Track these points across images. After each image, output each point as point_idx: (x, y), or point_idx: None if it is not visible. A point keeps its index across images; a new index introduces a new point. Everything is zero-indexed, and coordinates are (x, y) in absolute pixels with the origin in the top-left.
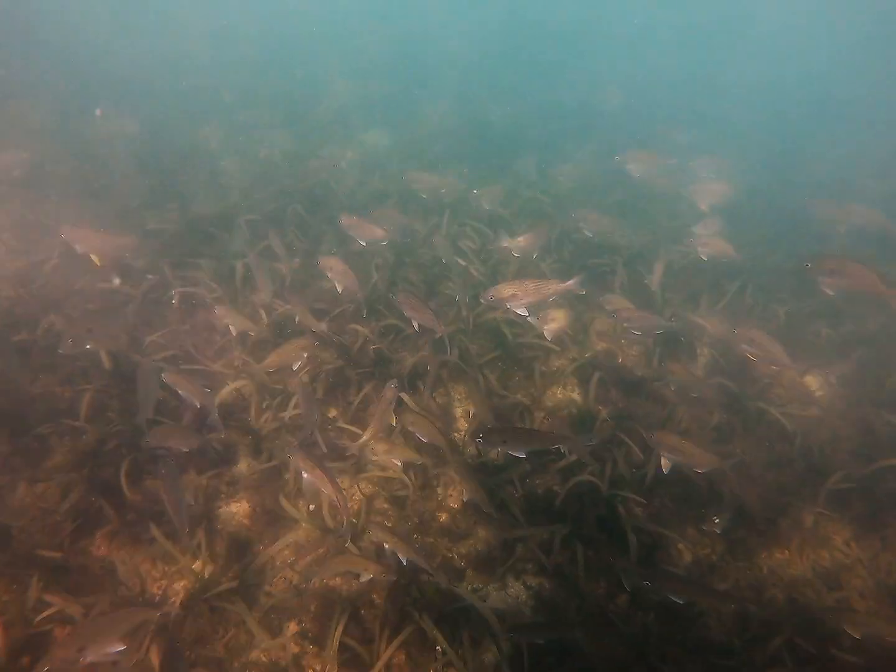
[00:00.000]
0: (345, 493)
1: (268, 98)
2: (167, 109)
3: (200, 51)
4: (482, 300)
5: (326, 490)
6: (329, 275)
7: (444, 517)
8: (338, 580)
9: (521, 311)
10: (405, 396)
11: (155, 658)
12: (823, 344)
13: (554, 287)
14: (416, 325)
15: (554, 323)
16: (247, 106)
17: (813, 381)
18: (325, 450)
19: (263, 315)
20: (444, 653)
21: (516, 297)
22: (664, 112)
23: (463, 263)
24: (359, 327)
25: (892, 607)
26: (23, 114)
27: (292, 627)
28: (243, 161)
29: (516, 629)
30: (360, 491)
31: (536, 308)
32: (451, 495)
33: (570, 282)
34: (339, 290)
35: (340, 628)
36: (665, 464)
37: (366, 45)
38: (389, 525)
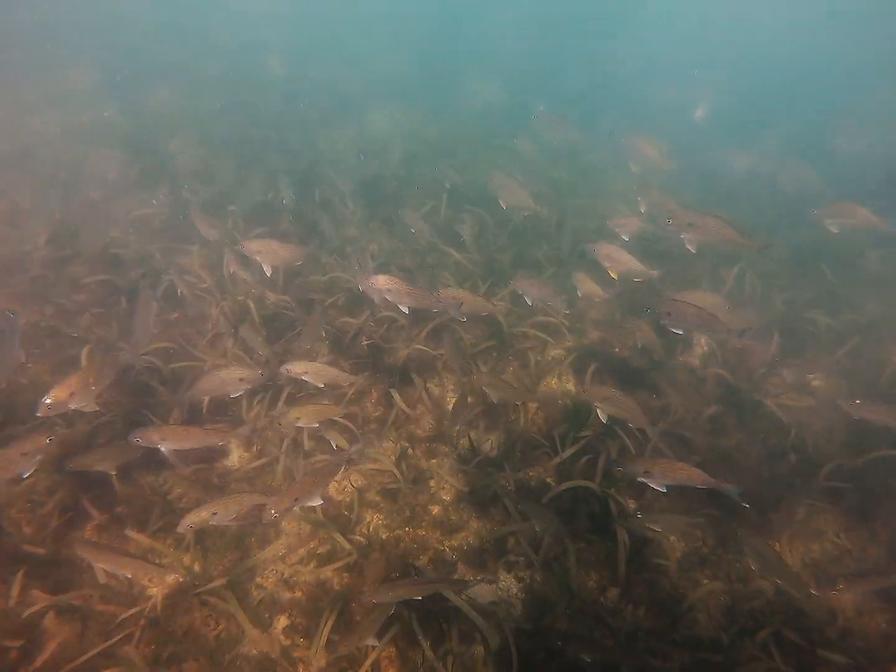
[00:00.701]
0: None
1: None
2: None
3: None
4: (364, 285)
5: None
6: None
7: (436, 510)
8: (329, 573)
9: (404, 309)
10: (394, 393)
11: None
12: (821, 332)
13: (432, 300)
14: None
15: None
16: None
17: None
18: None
19: (252, 306)
20: (425, 660)
21: (391, 294)
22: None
23: (456, 255)
24: (350, 319)
25: (877, 600)
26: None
27: (283, 621)
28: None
29: None
30: (352, 483)
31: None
32: (443, 488)
33: (450, 300)
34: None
35: (330, 623)
36: (602, 415)
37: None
38: (383, 521)
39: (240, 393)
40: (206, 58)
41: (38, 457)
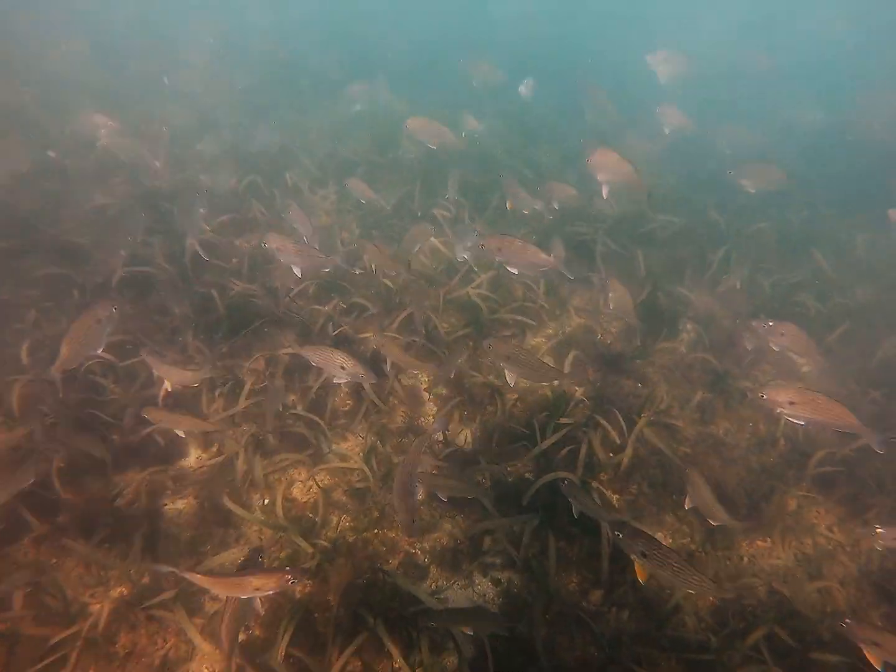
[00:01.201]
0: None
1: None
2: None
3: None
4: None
5: None
6: None
7: None
8: None
9: (296, 271)
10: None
11: None
12: (811, 316)
13: (322, 259)
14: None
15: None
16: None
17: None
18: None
19: (217, 297)
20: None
21: (281, 252)
22: None
23: (434, 239)
24: (320, 307)
25: (872, 595)
26: None
27: (239, 635)
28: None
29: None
30: (318, 483)
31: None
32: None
33: (337, 258)
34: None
35: (287, 637)
36: (509, 378)
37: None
38: (350, 522)
39: (342, 381)
40: (192, 43)
41: (110, 328)
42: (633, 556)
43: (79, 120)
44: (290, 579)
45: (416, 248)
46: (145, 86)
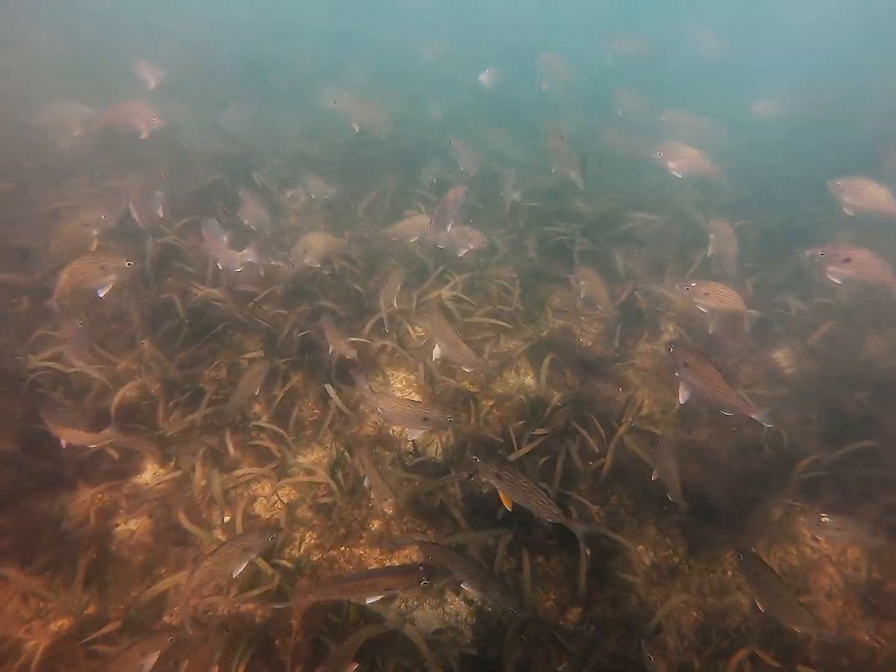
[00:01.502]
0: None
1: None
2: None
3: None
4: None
5: None
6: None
7: (376, 525)
8: (251, 605)
9: (219, 265)
10: (329, 389)
11: None
12: (793, 317)
13: (228, 253)
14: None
15: (308, 255)
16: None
17: (782, 358)
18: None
19: (178, 302)
20: None
21: (213, 252)
22: None
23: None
24: (285, 311)
25: (860, 608)
26: None
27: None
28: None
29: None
30: (281, 499)
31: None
32: (385, 500)
33: (247, 250)
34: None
35: (243, 668)
36: (436, 353)
37: None
38: (316, 540)
39: (420, 433)
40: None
41: (96, 230)
42: (490, 481)
43: (42, 113)
44: (423, 579)
45: (413, 240)
46: (119, 81)
